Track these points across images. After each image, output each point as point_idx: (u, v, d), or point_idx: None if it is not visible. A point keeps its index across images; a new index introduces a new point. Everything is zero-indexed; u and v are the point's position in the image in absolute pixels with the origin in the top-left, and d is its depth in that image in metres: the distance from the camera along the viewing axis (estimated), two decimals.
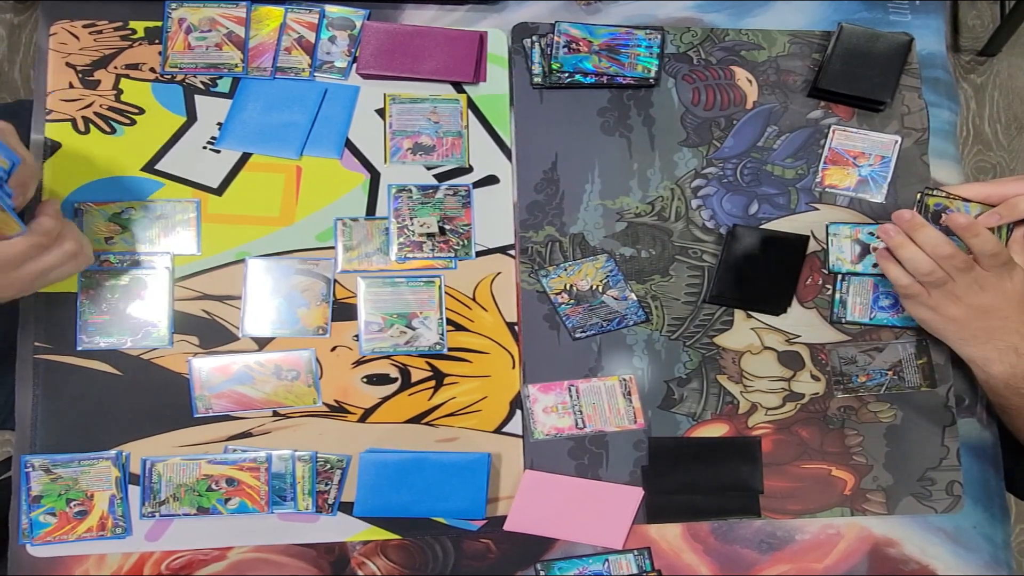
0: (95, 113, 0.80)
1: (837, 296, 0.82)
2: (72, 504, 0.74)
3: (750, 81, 0.86)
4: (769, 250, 0.81)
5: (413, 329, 0.79)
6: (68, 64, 0.80)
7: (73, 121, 0.79)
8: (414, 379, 0.78)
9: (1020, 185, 0.74)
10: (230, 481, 0.75)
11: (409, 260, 0.80)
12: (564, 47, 0.83)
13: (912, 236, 0.72)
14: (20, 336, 0.76)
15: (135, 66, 0.81)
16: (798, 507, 0.79)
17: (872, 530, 0.80)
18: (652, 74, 0.84)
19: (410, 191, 0.81)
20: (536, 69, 0.84)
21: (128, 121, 0.80)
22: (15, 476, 0.74)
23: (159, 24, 0.81)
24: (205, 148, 0.80)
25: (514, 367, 0.79)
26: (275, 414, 0.77)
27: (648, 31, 0.84)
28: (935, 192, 0.75)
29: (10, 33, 1.69)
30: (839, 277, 0.82)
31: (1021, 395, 0.74)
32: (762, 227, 0.83)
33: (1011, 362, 0.73)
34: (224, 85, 0.81)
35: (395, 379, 0.78)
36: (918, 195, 0.75)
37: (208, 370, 0.76)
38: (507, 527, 0.77)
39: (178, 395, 0.76)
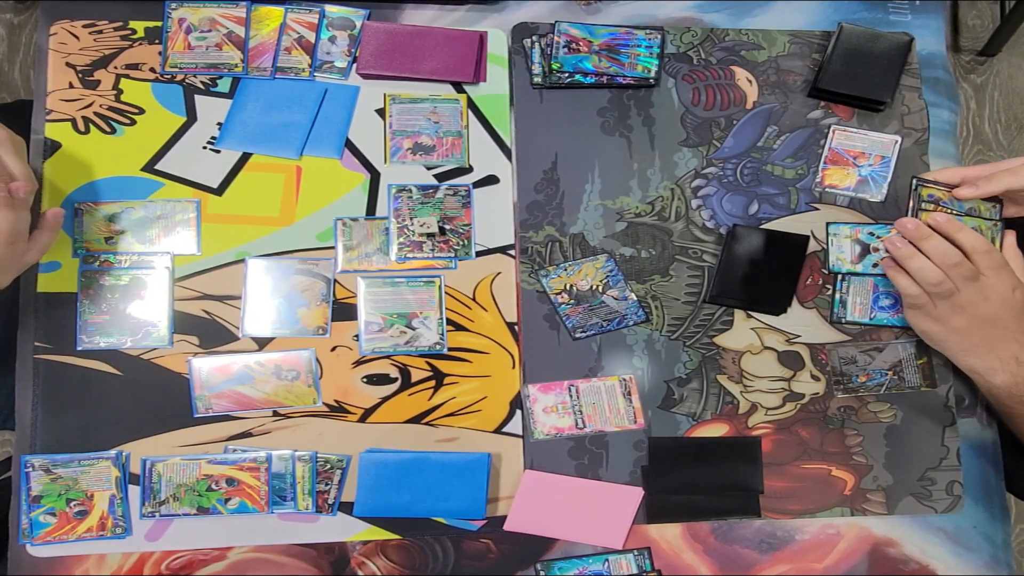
0: (95, 113, 0.80)
1: (837, 296, 0.82)
2: (72, 504, 0.74)
3: (750, 81, 0.86)
4: (769, 250, 0.81)
5: (413, 329, 0.78)
6: (68, 64, 0.80)
7: (73, 121, 0.79)
8: (414, 379, 0.78)
9: (1008, 164, 0.75)
10: (230, 481, 0.75)
11: (409, 260, 0.80)
12: (564, 47, 0.83)
13: (919, 246, 0.71)
14: (20, 336, 0.76)
15: (135, 66, 0.81)
16: (798, 507, 0.79)
17: (872, 530, 0.80)
18: (652, 74, 0.84)
19: (410, 191, 0.81)
20: (536, 69, 0.84)
21: (128, 121, 0.80)
22: (15, 476, 0.74)
23: (159, 24, 0.81)
24: (205, 148, 0.80)
25: (514, 367, 0.79)
26: (275, 414, 0.77)
27: (648, 31, 0.84)
28: (927, 184, 0.75)
29: (10, 33, 1.69)
30: (839, 277, 0.82)
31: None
32: (762, 227, 0.83)
33: (1012, 371, 0.73)
34: (224, 85, 0.81)
35: (395, 379, 0.78)
36: (912, 181, 0.75)
37: (208, 370, 0.76)
38: (507, 527, 0.77)
39: (178, 395, 0.76)
